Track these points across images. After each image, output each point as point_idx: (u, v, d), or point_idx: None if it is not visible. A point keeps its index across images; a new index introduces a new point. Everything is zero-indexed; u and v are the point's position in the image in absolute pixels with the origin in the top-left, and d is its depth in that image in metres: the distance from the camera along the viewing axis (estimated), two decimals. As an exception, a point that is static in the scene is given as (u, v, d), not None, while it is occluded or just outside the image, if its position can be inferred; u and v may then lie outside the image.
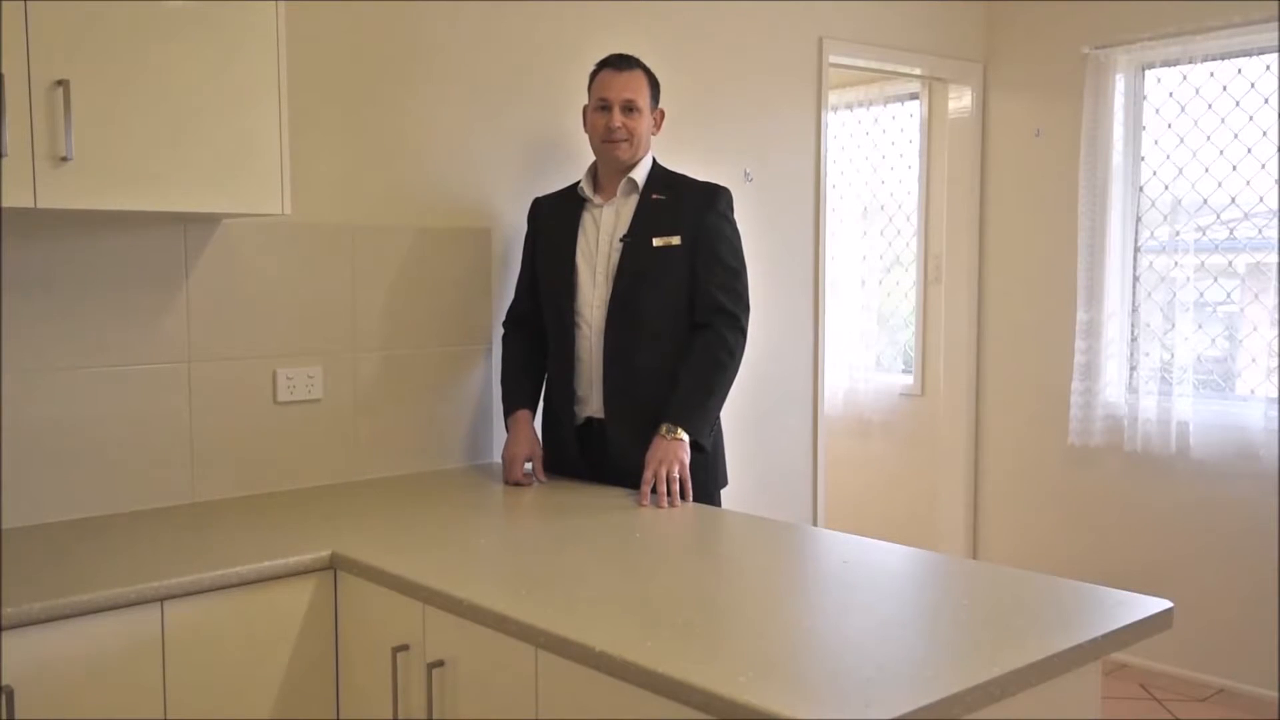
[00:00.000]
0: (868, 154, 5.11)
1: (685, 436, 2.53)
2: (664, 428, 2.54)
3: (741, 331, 2.67)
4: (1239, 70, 3.80)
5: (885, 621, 1.71)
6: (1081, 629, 1.63)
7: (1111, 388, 4.08)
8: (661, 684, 1.46)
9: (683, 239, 2.65)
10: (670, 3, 3.37)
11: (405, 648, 1.95)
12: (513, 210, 3.00)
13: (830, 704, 1.36)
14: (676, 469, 2.49)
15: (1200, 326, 3.95)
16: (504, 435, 2.81)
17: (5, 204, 1.96)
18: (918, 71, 4.25)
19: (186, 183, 2.17)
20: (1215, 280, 3.94)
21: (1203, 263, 3.93)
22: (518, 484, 2.70)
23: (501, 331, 2.94)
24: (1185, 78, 3.92)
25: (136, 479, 2.47)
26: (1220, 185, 3.86)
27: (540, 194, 2.92)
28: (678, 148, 3.17)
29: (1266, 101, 3.74)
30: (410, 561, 2.02)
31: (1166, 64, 3.95)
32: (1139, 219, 4.08)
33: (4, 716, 1.75)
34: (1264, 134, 3.75)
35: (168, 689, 1.94)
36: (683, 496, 2.50)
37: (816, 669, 1.50)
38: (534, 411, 2.82)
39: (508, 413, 2.80)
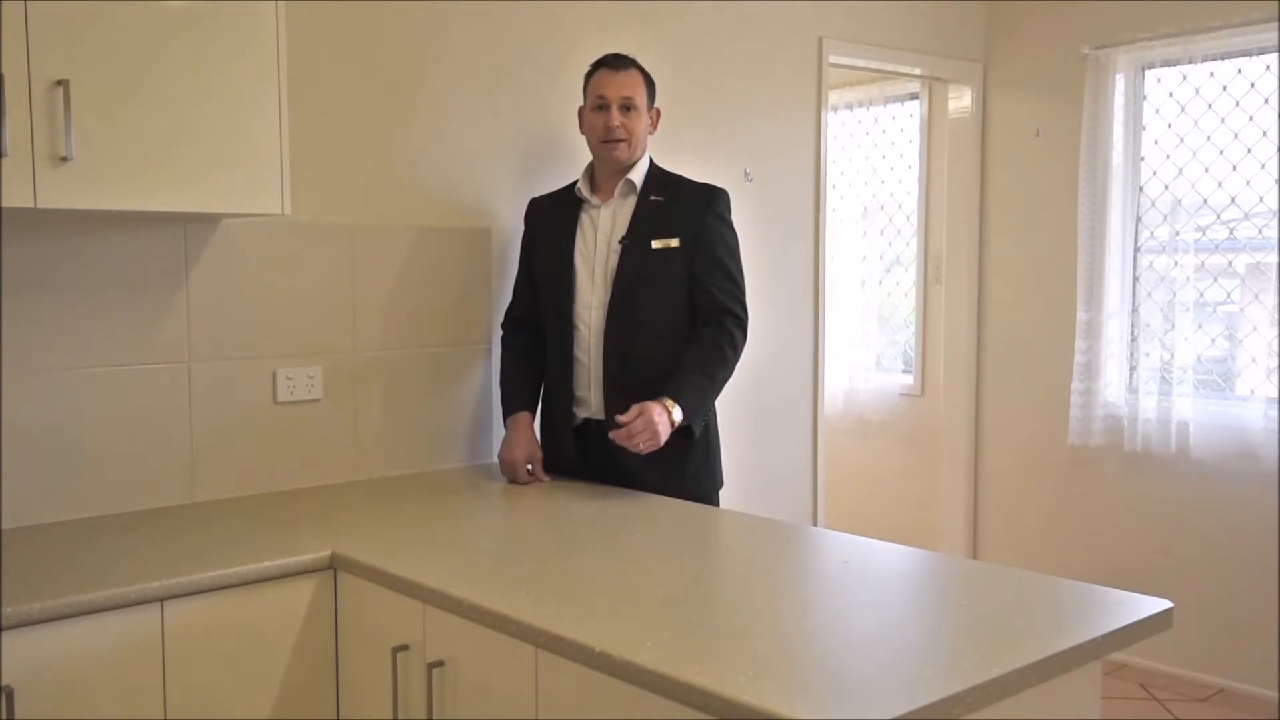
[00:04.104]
0: (868, 154, 5.11)
1: (679, 418, 2.51)
2: (667, 401, 2.50)
3: (744, 331, 2.67)
4: (1239, 70, 3.80)
5: (885, 621, 1.71)
6: (1081, 629, 1.63)
7: (1111, 388, 4.08)
8: (661, 684, 1.46)
9: (681, 241, 2.65)
10: (669, 3, 3.37)
11: (405, 648, 1.95)
12: (512, 210, 3.00)
13: (830, 704, 1.36)
14: (652, 436, 2.44)
15: (1200, 326, 3.95)
16: (503, 435, 2.80)
17: (5, 204, 1.96)
18: (918, 71, 4.25)
19: (186, 183, 2.18)
20: (1215, 280, 3.94)
21: (1203, 263, 3.93)
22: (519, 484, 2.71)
23: (501, 332, 2.94)
24: (1185, 78, 3.92)
25: (136, 479, 2.47)
26: (1220, 185, 3.86)
27: (538, 194, 2.92)
28: (677, 148, 3.17)
29: (1266, 101, 3.74)
30: (410, 561, 2.02)
31: (1166, 64, 3.95)
32: (1139, 219, 4.08)
33: (4, 716, 1.75)
34: (1264, 134, 3.75)
35: (168, 689, 1.94)
36: (636, 454, 2.47)
37: (816, 669, 1.50)
38: (534, 413, 2.83)
39: (507, 414, 2.80)
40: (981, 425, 4.52)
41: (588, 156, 2.81)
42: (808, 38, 3.76)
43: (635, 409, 2.46)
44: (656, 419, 2.44)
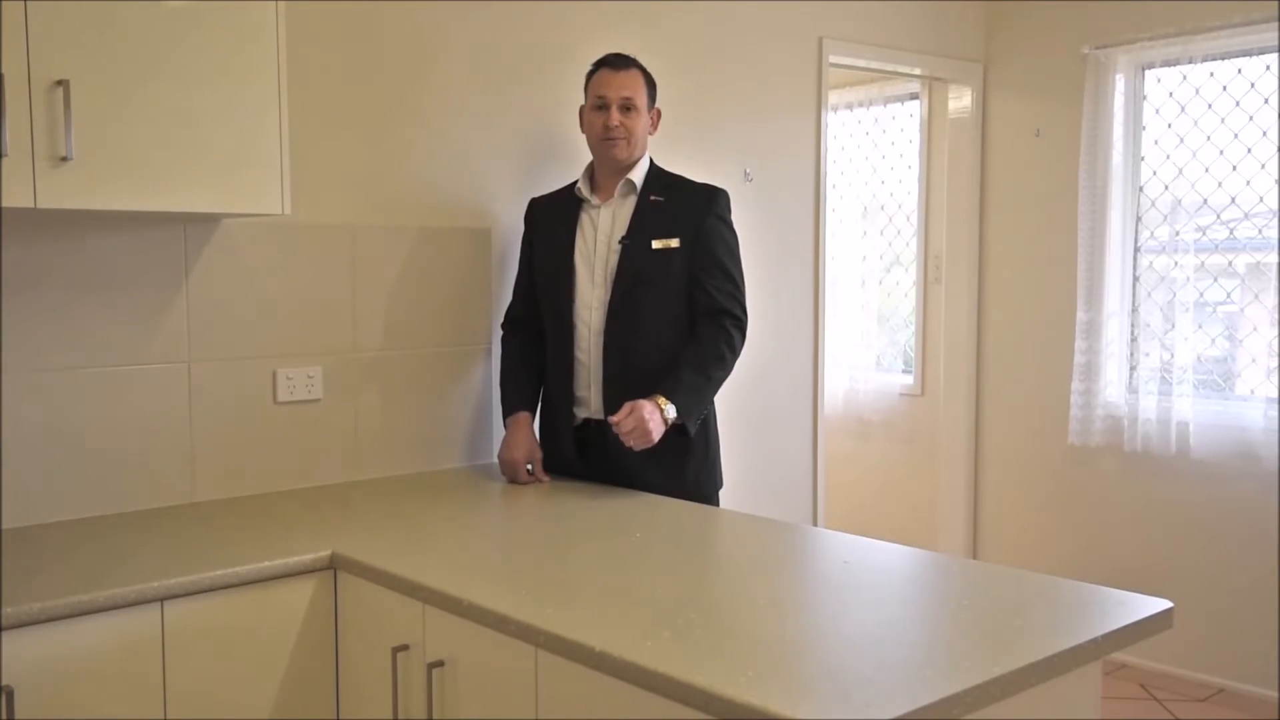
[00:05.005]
0: (868, 154, 5.11)
1: (672, 415, 2.51)
2: (661, 400, 2.50)
3: (743, 333, 2.67)
4: (1239, 70, 3.80)
5: (885, 621, 1.71)
6: (1081, 629, 1.63)
7: (1111, 388, 4.08)
8: (661, 684, 1.46)
9: (681, 242, 2.65)
10: (670, 3, 3.37)
11: (405, 648, 1.95)
12: (512, 210, 3.00)
13: (830, 704, 1.36)
14: (644, 434, 2.44)
15: (1200, 326, 3.95)
16: (503, 435, 2.81)
17: (5, 204, 1.96)
18: (918, 71, 4.25)
19: (186, 183, 2.18)
20: (1215, 280, 3.94)
21: (1203, 263, 3.93)
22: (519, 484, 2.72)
23: (501, 332, 2.94)
24: (1185, 78, 3.92)
25: (136, 479, 2.47)
26: (1220, 185, 3.86)
27: (538, 194, 2.92)
28: (678, 148, 3.17)
29: (1266, 101, 3.74)
30: (410, 561, 2.02)
31: (1166, 64, 3.95)
32: (1139, 219, 4.08)
33: (4, 716, 1.75)
34: (1264, 134, 3.75)
35: (168, 689, 1.94)
36: (633, 453, 2.48)
37: (816, 669, 1.50)
38: (533, 413, 2.83)
39: (507, 414, 2.80)
40: (981, 425, 4.52)
41: (588, 156, 2.81)
42: (808, 38, 3.76)
43: (626, 407, 2.47)
44: (647, 416, 2.45)
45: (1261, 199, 3.79)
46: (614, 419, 2.46)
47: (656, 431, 2.47)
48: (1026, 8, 4.27)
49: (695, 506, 2.51)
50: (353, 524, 2.36)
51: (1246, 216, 3.84)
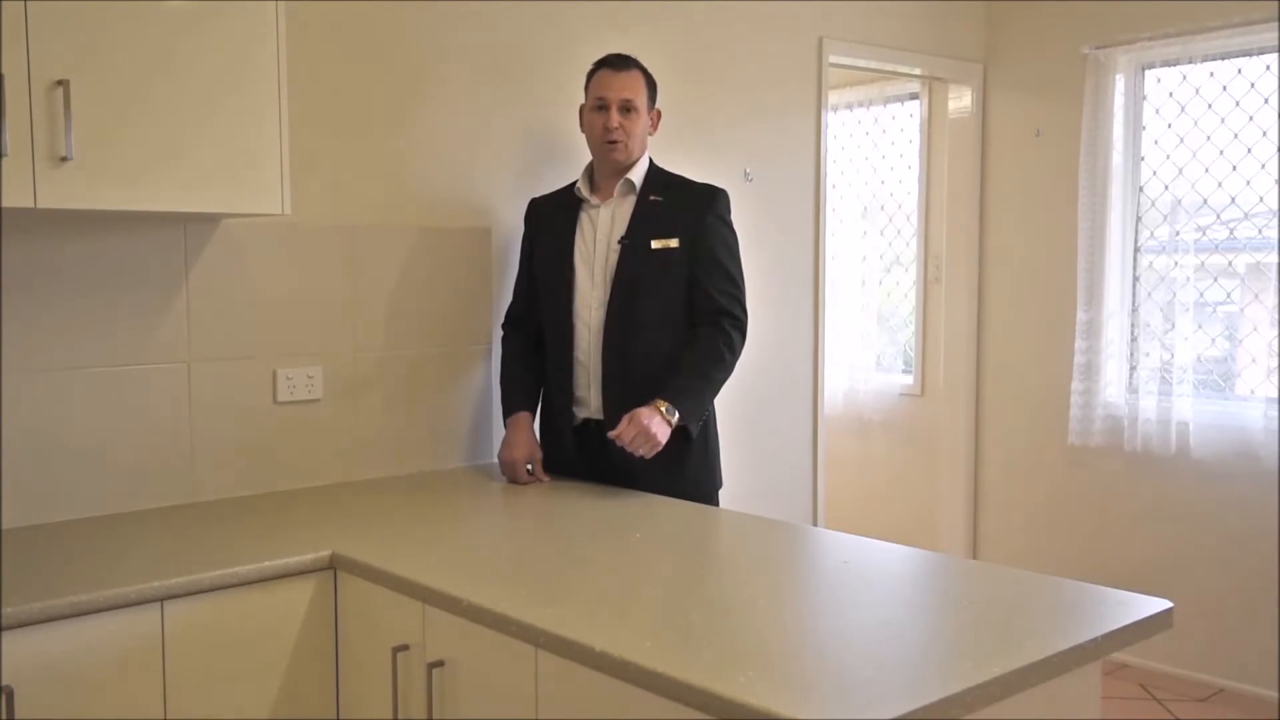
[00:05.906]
0: (868, 154, 5.11)
1: (675, 419, 2.51)
2: (660, 403, 2.51)
3: (743, 334, 2.67)
4: (1239, 70, 3.80)
5: (885, 621, 1.71)
6: (1081, 629, 1.63)
7: (1111, 388, 4.08)
8: (661, 684, 1.46)
9: (681, 242, 2.65)
10: (670, 3, 3.37)
11: (405, 648, 1.95)
12: (512, 210, 3.00)
13: (830, 704, 1.36)
14: (648, 439, 2.45)
15: (1200, 326, 3.95)
16: (503, 435, 2.81)
17: (5, 204, 1.96)
18: (918, 71, 4.25)
19: (186, 183, 2.18)
20: (1215, 280, 3.94)
21: (1203, 263, 3.93)
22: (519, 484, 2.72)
23: (501, 332, 2.94)
24: (1185, 78, 3.92)
25: (136, 479, 2.47)
26: (1220, 185, 3.86)
27: (538, 194, 2.92)
28: (678, 148, 3.17)
29: (1266, 101, 3.74)
30: (410, 561, 2.02)
31: (1166, 64, 3.95)
32: (1139, 219, 4.08)
33: (4, 716, 1.75)
34: (1264, 134, 3.75)
35: (168, 689, 1.94)
36: (641, 458, 2.48)
37: (816, 669, 1.50)
38: (533, 413, 2.83)
39: (507, 414, 2.80)
40: (981, 425, 4.52)
41: (588, 156, 2.81)
42: (808, 38, 3.76)
43: (625, 419, 2.48)
44: (646, 422, 2.45)
45: (1261, 199, 3.79)
46: (614, 434, 2.46)
47: (661, 433, 2.47)
48: (1026, 8, 4.27)
49: (695, 506, 2.51)
50: (353, 524, 2.36)
51: (1246, 216, 3.84)
